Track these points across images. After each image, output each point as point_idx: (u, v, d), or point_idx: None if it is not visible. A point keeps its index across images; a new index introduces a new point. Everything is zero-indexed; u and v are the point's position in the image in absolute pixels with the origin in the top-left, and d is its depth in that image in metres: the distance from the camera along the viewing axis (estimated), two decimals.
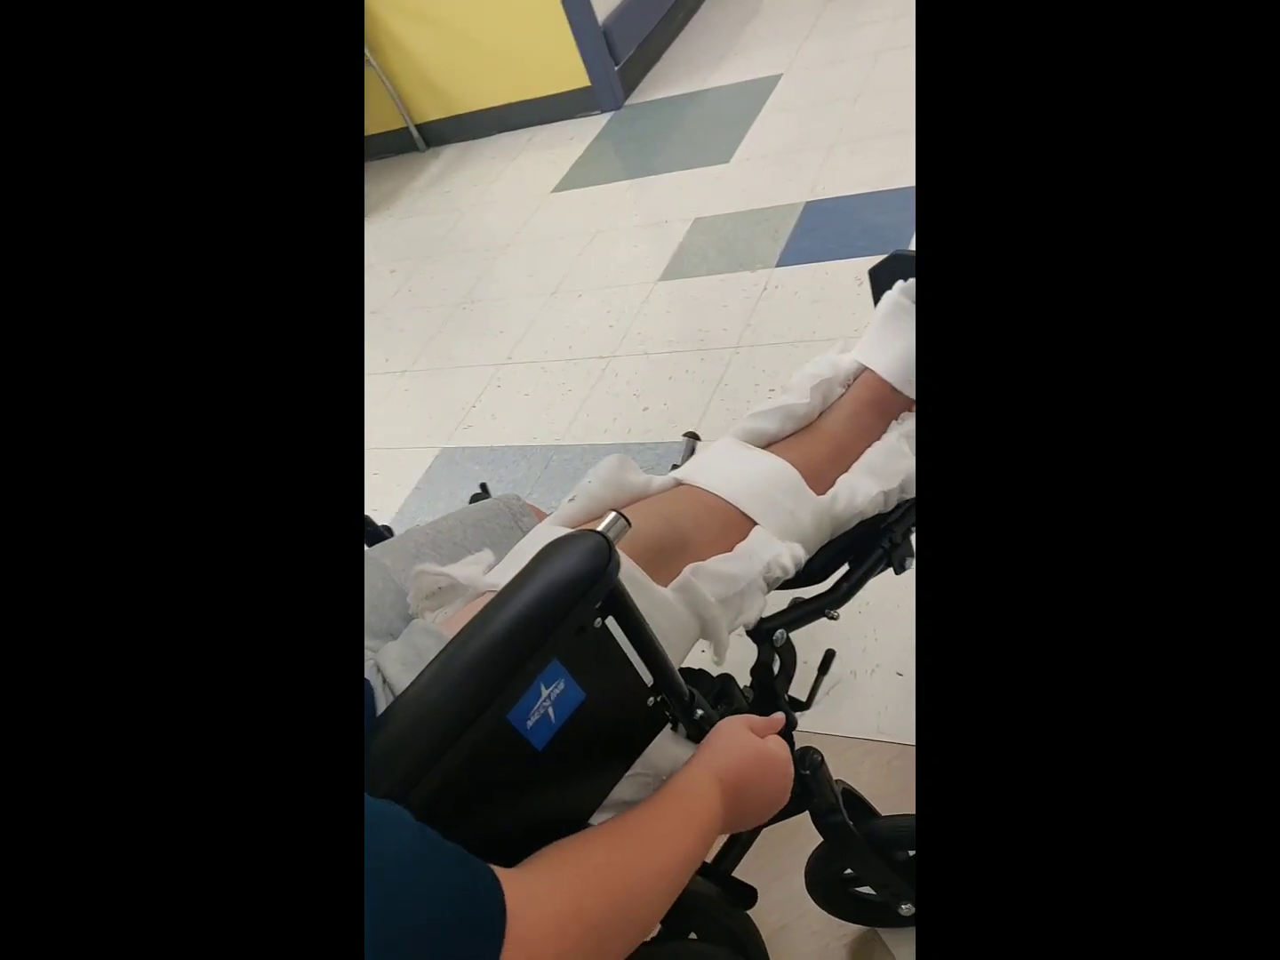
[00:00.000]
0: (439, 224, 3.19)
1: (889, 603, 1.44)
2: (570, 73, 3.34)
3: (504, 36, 3.33)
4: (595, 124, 3.36)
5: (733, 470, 0.84)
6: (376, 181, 3.71)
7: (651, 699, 0.67)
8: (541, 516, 0.89)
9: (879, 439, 0.89)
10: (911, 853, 0.95)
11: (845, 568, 0.87)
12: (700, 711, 0.70)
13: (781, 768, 0.71)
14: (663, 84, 3.43)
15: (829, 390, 0.92)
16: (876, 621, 1.43)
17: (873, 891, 1.02)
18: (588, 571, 0.57)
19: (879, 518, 0.87)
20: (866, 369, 0.92)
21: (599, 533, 0.59)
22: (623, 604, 0.61)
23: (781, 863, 1.13)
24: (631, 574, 0.69)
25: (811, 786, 0.84)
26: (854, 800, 0.94)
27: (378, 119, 3.74)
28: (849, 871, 1.03)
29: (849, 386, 0.93)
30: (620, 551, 0.60)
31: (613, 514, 0.61)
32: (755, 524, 0.80)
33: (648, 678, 0.66)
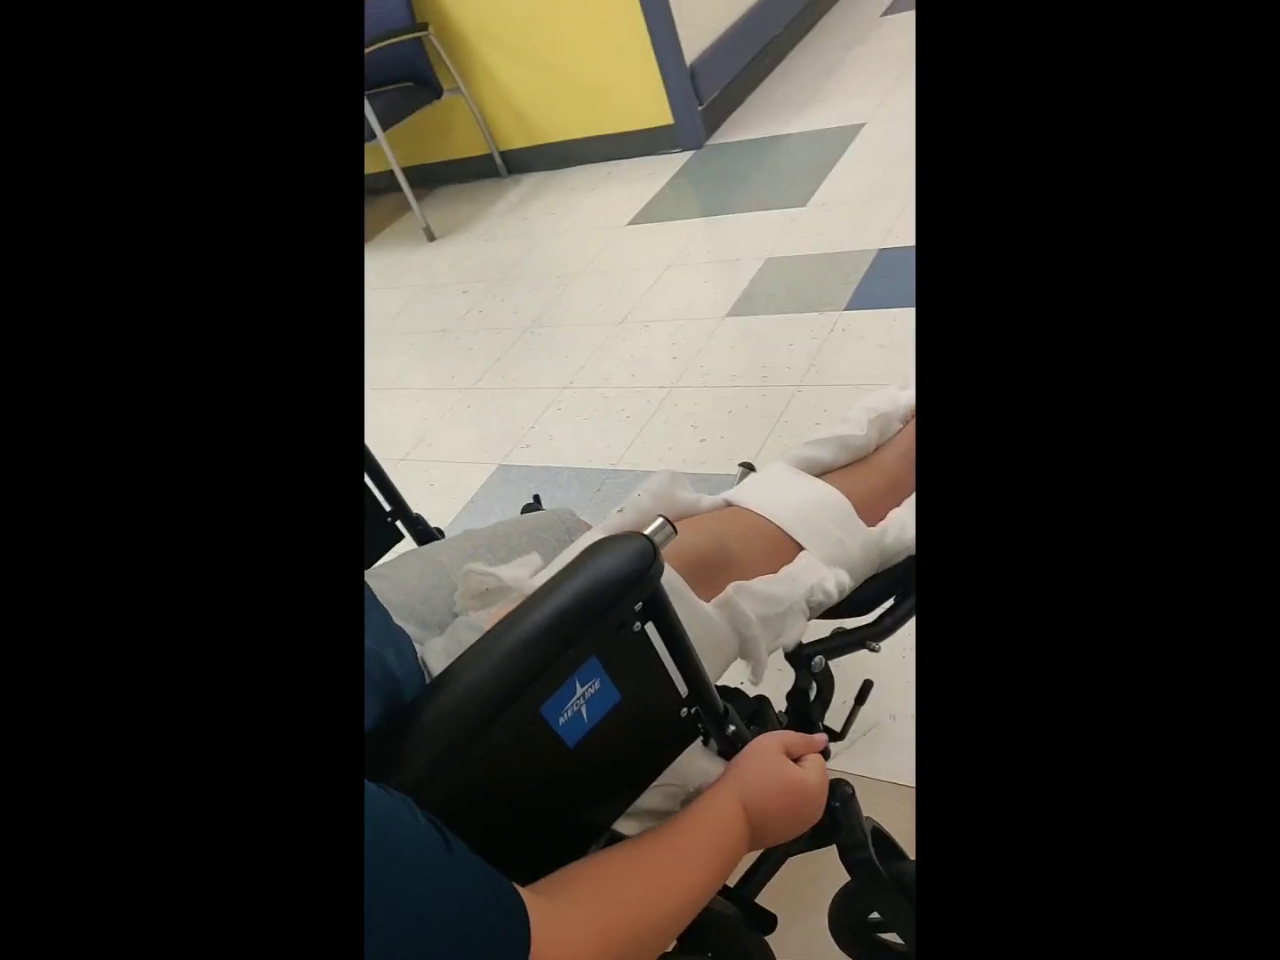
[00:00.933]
0: (515, 249, 3.25)
1: None
2: (655, 110, 3.40)
3: (592, 72, 3.41)
4: (675, 161, 3.41)
5: (783, 494, 0.84)
6: (457, 204, 3.80)
7: (685, 710, 0.68)
8: None
9: None
10: None
11: (890, 601, 0.87)
12: (733, 728, 0.70)
13: (811, 799, 0.70)
14: (745, 126, 3.47)
15: (886, 425, 0.92)
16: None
17: (899, 939, 1.00)
18: (631, 571, 0.57)
19: None
20: None
21: (645, 535, 0.60)
22: (663, 610, 0.61)
23: (805, 900, 1.11)
24: (674, 584, 0.70)
25: (840, 819, 0.83)
26: (883, 840, 0.92)
27: (463, 144, 3.84)
28: (875, 915, 1.01)
29: (907, 423, 0.93)
30: (664, 559, 0.60)
31: (660, 519, 0.62)
32: (802, 549, 0.80)
33: (683, 688, 0.67)
